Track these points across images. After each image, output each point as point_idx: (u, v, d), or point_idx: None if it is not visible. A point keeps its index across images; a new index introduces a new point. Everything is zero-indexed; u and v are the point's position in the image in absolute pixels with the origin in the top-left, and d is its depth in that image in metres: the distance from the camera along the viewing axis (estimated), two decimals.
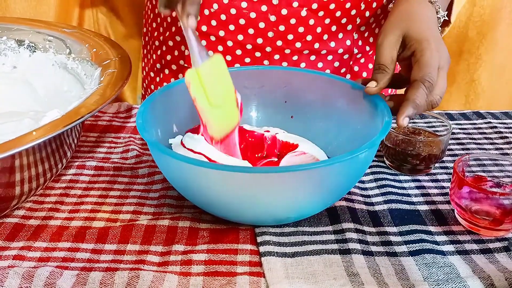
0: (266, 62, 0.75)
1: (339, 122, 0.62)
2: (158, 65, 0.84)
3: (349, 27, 0.75)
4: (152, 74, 0.87)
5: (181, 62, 0.80)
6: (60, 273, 0.46)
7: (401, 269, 0.48)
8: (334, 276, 0.47)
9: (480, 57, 1.27)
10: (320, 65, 0.77)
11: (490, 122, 0.78)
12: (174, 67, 0.81)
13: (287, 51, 0.74)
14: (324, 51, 0.75)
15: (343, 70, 0.79)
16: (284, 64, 0.76)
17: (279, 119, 0.66)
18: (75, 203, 0.58)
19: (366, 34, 0.78)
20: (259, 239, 0.52)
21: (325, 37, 0.74)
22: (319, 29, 0.73)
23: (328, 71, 0.77)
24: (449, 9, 0.71)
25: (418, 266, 0.49)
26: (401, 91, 0.61)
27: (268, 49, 0.74)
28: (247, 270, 0.48)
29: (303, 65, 0.76)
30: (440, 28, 0.63)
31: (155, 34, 0.83)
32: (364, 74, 0.81)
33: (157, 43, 0.82)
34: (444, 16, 0.62)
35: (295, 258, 0.49)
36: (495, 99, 1.31)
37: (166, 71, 0.83)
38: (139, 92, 1.09)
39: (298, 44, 0.73)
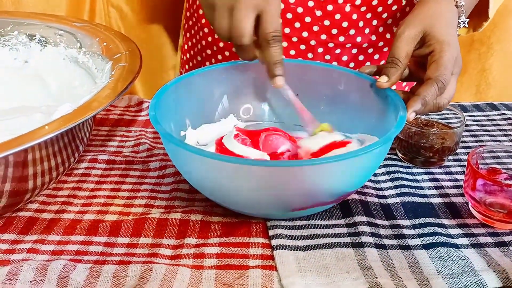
0: (310, 55, 0.77)
1: (353, 116, 0.61)
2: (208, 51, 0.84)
3: (389, 21, 0.76)
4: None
5: None
6: (74, 266, 0.47)
7: (415, 262, 0.48)
8: (347, 270, 0.47)
9: (492, 46, 1.25)
10: (361, 58, 0.78)
11: (504, 114, 0.77)
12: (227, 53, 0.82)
13: (331, 44, 0.76)
14: (365, 45, 0.77)
15: (382, 62, 0.80)
16: (327, 57, 0.77)
17: (291, 112, 0.65)
18: (87, 197, 0.58)
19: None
20: (270, 233, 0.51)
21: (367, 31, 0.76)
22: (361, 23, 0.75)
23: (368, 63, 0.79)
24: (486, 3, 0.70)
25: (432, 260, 0.48)
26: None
27: (312, 42, 0.75)
28: (259, 263, 0.48)
29: (345, 58, 0.78)
30: (458, 33, 0.63)
31: (203, 21, 0.82)
32: None
33: (206, 30, 0.82)
34: (464, 23, 0.62)
35: (307, 251, 0.49)
36: (507, 88, 1.29)
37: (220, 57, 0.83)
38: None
39: (341, 38, 0.75)
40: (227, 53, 0.81)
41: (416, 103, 0.53)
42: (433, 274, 0.46)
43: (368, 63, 0.79)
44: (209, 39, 0.82)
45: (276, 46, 0.54)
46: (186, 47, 0.90)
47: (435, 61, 0.55)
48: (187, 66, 0.91)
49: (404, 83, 0.83)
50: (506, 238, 0.51)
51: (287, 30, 0.75)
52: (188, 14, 0.88)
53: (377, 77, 0.58)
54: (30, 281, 0.45)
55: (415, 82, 0.61)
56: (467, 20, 0.63)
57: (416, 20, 0.58)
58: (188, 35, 0.89)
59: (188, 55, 0.90)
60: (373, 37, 0.77)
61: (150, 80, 1.13)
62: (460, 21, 0.61)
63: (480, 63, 1.27)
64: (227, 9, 0.54)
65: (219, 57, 0.82)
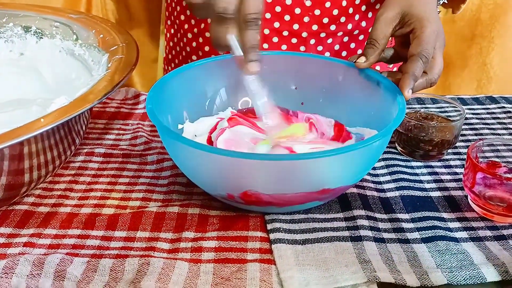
0: (302, 48, 0.76)
1: (352, 109, 0.61)
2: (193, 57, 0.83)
3: (377, 5, 0.76)
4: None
5: None
6: (71, 260, 0.46)
7: (414, 256, 0.48)
8: (345, 264, 0.47)
9: (493, 41, 1.25)
10: (352, 45, 0.78)
11: (503, 107, 0.77)
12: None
13: (322, 34, 0.75)
14: (356, 31, 0.77)
15: None
16: (320, 48, 0.76)
17: (289, 105, 0.65)
18: (84, 190, 0.57)
19: None
20: (269, 226, 0.51)
21: (357, 17, 0.75)
22: (351, 10, 0.74)
23: (360, 51, 0.78)
24: None
25: (431, 253, 0.48)
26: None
27: (304, 34, 0.74)
28: (258, 257, 0.48)
29: (337, 47, 0.77)
30: (439, 10, 0.64)
31: (186, 26, 0.82)
32: None
33: (190, 35, 0.81)
34: (441, 0, 0.63)
35: (306, 245, 0.49)
36: (508, 83, 1.29)
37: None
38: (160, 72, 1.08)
39: (332, 27, 0.74)
40: (206, 48, 0.80)
41: (408, 81, 0.54)
42: (432, 268, 0.46)
43: (359, 51, 0.78)
44: (186, 26, 0.81)
45: (254, 29, 0.52)
46: (168, 48, 0.89)
47: (417, 37, 0.56)
48: (173, 64, 0.89)
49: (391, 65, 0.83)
50: (505, 232, 0.51)
51: (276, 24, 0.73)
52: (167, 13, 0.87)
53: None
54: (27, 275, 0.45)
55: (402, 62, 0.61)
56: None
57: (393, 1, 0.59)
58: (168, 35, 0.88)
59: (170, 55, 0.88)
60: (363, 23, 0.76)
61: (147, 72, 1.13)
62: None
63: (481, 58, 1.27)
64: None
65: (200, 39, 0.80)
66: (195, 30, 0.80)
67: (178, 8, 0.82)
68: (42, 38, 0.72)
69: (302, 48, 0.75)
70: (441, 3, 0.64)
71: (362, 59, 0.58)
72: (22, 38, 0.73)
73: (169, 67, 0.90)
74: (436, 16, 0.58)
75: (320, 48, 0.76)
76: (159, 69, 0.97)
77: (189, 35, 0.81)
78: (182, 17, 0.81)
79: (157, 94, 0.54)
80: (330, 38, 0.75)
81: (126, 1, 1.09)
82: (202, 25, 0.78)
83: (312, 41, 0.75)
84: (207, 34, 0.78)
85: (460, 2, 0.74)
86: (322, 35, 0.75)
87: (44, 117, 0.47)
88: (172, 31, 0.86)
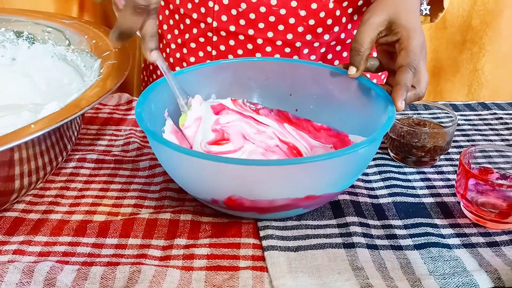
0: (295, 57, 0.76)
1: (344, 115, 0.61)
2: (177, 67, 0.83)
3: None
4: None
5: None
6: (61, 268, 0.46)
7: (407, 262, 0.48)
8: (338, 271, 0.47)
9: (484, 47, 1.26)
10: (345, 54, 0.78)
11: (495, 113, 0.77)
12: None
13: (316, 44, 0.75)
14: (349, 40, 0.77)
15: None
16: (313, 57, 0.76)
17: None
18: (75, 197, 0.57)
19: None
20: (262, 233, 0.51)
21: (349, 26, 0.76)
22: (344, 19, 0.74)
23: None
24: None
25: (424, 260, 0.48)
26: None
27: (298, 44, 0.74)
28: (250, 264, 0.47)
29: (330, 56, 0.77)
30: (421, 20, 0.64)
31: (169, 36, 0.81)
32: None
33: (173, 45, 0.81)
34: (426, 10, 0.64)
35: (299, 252, 0.49)
36: (499, 88, 1.30)
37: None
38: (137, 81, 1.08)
39: (326, 36, 0.75)
40: (192, 59, 0.80)
41: (400, 91, 0.54)
42: (425, 275, 0.46)
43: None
44: (168, 36, 0.81)
45: (155, 18, 0.53)
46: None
47: (404, 48, 0.55)
48: (154, 76, 0.88)
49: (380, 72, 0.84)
50: (497, 238, 0.51)
51: (270, 34, 0.73)
52: None
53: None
54: (16, 283, 0.44)
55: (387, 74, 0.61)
56: (429, 7, 0.64)
57: (381, 7, 0.58)
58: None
59: (152, 66, 0.88)
60: (355, 32, 0.76)
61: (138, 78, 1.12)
62: (422, 8, 0.63)
63: (472, 63, 1.28)
64: None
65: (184, 50, 0.80)
66: (179, 40, 0.79)
67: (160, 17, 0.81)
68: (34, 43, 0.72)
69: (295, 57, 0.76)
70: (423, 14, 0.65)
71: (353, 69, 0.57)
72: (14, 43, 0.72)
73: (151, 78, 0.89)
74: (421, 27, 0.58)
75: (313, 57, 0.76)
76: (136, 77, 0.96)
77: (173, 46, 0.80)
78: (165, 27, 0.81)
79: (147, 99, 0.54)
80: (323, 47, 0.76)
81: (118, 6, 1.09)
82: (187, 35, 0.78)
83: (306, 51, 0.75)
84: (192, 45, 0.78)
85: (438, 11, 0.74)
86: (316, 44, 0.75)
87: (35, 123, 0.47)
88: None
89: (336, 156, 0.46)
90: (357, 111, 0.59)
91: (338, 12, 0.73)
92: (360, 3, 0.74)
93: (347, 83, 0.60)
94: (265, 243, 0.50)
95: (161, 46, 0.83)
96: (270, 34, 0.73)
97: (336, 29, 0.74)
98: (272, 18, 0.72)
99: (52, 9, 1.03)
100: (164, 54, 0.83)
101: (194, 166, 0.47)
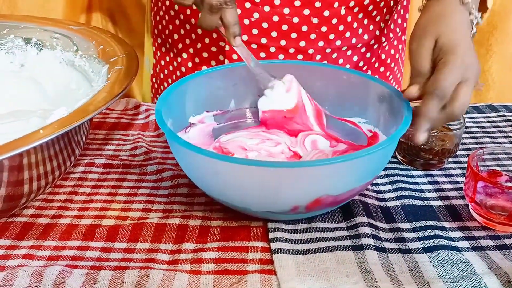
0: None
1: (358, 116, 0.62)
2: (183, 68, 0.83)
3: (378, 18, 0.77)
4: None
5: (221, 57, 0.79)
6: (70, 272, 0.46)
7: (415, 266, 0.48)
8: (346, 273, 0.46)
9: (491, 48, 1.25)
10: (355, 58, 0.78)
11: (504, 115, 0.77)
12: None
13: (328, 50, 0.75)
14: (359, 45, 0.77)
15: (373, 59, 0.81)
16: (325, 63, 0.76)
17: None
18: (84, 201, 0.57)
19: (389, 23, 0.81)
20: (271, 235, 0.51)
21: (360, 31, 0.76)
22: (355, 25, 0.75)
23: (362, 62, 0.79)
24: None
25: (433, 263, 0.48)
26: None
27: (310, 51, 0.75)
28: (258, 268, 0.47)
29: (341, 61, 0.77)
30: (474, 30, 0.59)
31: (180, 46, 0.81)
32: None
33: (185, 55, 0.81)
34: (477, 18, 0.59)
35: (307, 255, 0.49)
36: (506, 90, 1.30)
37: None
38: (146, 88, 1.08)
39: (338, 42, 0.75)
40: (204, 68, 0.80)
41: (422, 124, 0.52)
42: (434, 278, 0.46)
43: (361, 63, 0.79)
44: (180, 45, 0.81)
45: (233, 7, 0.57)
46: (159, 67, 0.88)
47: (437, 71, 0.52)
48: (165, 84, 0.89)
49: (391, 77, 0.84)
50: (507, 241, 0.51)
51: (283, 42, 0.73)
52: (156, 31, 0.86)
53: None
54: None
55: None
56: (480, 14, 0.59)
57: (424, 30, 0.55)
58: (158, 53, 0.87)
59: (163, 74, 0.88)
60: (365, 36, 0.77)
61: (148, 83, 1.13)
62: (472, 17, 0.58)
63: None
64: None
65: (197, 59, 0.80)
66: (191, 50, 0.79)
67: (171, 27, 0.81)
68: (42, 49, 0.72)
69: (325, 63, 0.76)
70: (475, 23, 0.58)
71: (415, 88, 0.54)
72: (23, 50, 0.73)
73: (162, 86, 0.89)
74: (466, 41, 0.54)
75: (325, 63, 0.76)
76: (145, 85, 0.96)
77: (184, 55, 0.81)
78: (176, 36, 0.81)
79: (165, 101, 0.55)
80: (335, 53, 0.76)
81: (126, 12, 1.10)
82: (199, 45, 0.78)
83: (318, 57, 0.76)
84: (205, 54, 0.78)
85: (482, 13, 0.67)
86: (328, 50, 0.75)
87: (43, 128, 0.47)
88: (164, 49, 0.85)
89: (355, 158, 0.47)
90: (372, 114, 0.60)
91: (349, 18, 0.73)
92: (370, 8, 0.74)
93: (360, 85, 0.61)
94: (273, 245, 0.49)
95: (171, 55, 0.83)
96: (283, 42, 0.74)
97: (347, 34, 0.75)
98: (285, 27, 0.72)
99: (60, 16, 1.04)
100: (175, 63, 0.83)
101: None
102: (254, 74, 0.62)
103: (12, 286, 0.44)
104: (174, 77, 0.85)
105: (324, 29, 0.73)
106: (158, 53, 0.87)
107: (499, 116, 0.77)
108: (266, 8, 0.71)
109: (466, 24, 0.57)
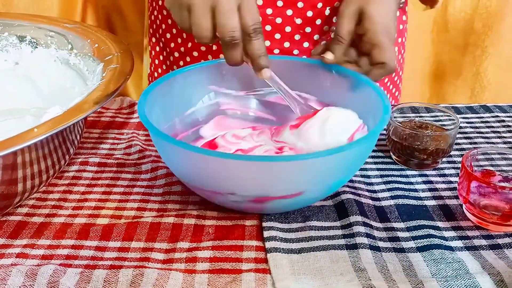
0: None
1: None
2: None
3: None
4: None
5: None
6: (64, 271, 0.46)
7: (409, 265, 0.48)
8: (341, 272, 0.47)
9: (486, 50, 1.26)
10: None
11: (497, 116, 0.77)
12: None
13: None
14: None
15: None
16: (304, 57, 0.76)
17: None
18: (78, 200, 0.57)
19: None
20: (265, 234, 0.51)
21: None
22: None
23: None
24: None
25: (426, 262, 0.48)
26: None
27: (295, 51, 0.74)
28: (253, 267, 0.47)
29: None
30: (401, 5, 0.66)
31: (172, 45, 0.81)
32: None
33: (176, 54, 0.81)
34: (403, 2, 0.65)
35: (302, 254, 0.49)
36: (501, 91, 1.30)
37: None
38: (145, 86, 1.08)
39: (323, 43, 0.74)
40: (195, 53, 0.80)
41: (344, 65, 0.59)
42: (427, 277, 0.46)
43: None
44: (172, 44, 0.81)
45: (259, 38, 0.54)
46: (153, 66, 0.89)
47: (378, 45, 0.58)
48: (159, 70, 0.89)
49: (387, 79, 0.84)
50: (500, 241, 0.51)
51: (267, 43, 0.73)
52: (151, 30, 0.86)
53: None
54: (19, 286, 0.44)
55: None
56: None
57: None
58: (153, 52, 0.87)
59: (157, 73, 0.88)
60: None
61: (143, 82, 1.13)
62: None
63: (474, 66, 1.28)
64: (209, 8, 0.52)
65: (188, 59, 0.80)
66: (182, 49, 0.79)
67: (164, 26, 0.81)
68: (37, 47, 0.72)
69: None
70: (401, 6, 0.65)
71: (330, 54, 0.60)
72: (17, 48, 0.72)
73: None
74: (390, 18, 0.60)
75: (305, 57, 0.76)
76: (144, 83, 0.97)
77: (176, 54, 0.80)
78: (168, 35, 0.81)
79: (147, 98, 0.55)
80: None
81: (122, 11, 1.09)
82: (189, 44, 0.78)
83: (304, 58, 0.75)
84: (195, 54, 0.78)
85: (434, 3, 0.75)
86: None
87: (38, 127, 0.47)
88: (158, 48, 0.85)
89: (330, 154, 0.47)
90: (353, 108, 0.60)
91: (334, 19, 0.73)
92: None
93: (342, 81, 0.61)
94: (268, 245, 0.50)
95: (164, 54, 0.83)
96: (267, 43, 0.73)
97: (332, 35, 0.75)
98: (268, 27, 0.72)
99: (55, 14, 1.04)
100: (168, 62, 0.83)
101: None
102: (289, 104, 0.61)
103: (5, 285, 0.44)
104: (165, 65, 0.86)
105: (308, 29, 0.72)
106: (153, 52, 0.88)
107: (493, 116, 0.77)
108: None
109: (391, 1, 0.62)
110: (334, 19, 0.73)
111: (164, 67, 0.85)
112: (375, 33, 0.58)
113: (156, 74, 0.88)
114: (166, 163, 0.55)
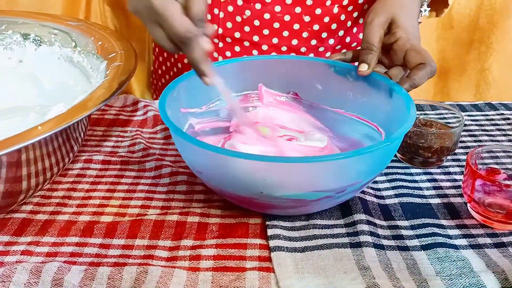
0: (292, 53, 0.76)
1: (355, 112, 0.62)
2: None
3: None
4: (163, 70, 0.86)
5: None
6: (68, 268, 0.46)
7: (413, 263, 0.48)
8: (344, 270, 0.47)
9: (491, 46, 1.25)
10: None
11: (502, 114, 0.77)
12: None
13: (321, 49, 0.75)
14: (354, 44, 0.77)
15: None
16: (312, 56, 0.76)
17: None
18: (82, 198, 0.57)
19: None
20: (269, 232, 0.51)
21: (355, 30, 0.76)
22: (349, 23, 0.74)
23: (357, 63, 0.78)
24: None
25: (430, 261, 0.48)
26: None
27: (303, 49, 0.75)
28: (257, 265, 0.47)
29: None
30: (420, 21, 0.66)
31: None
32: None
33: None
34: (425, 12, 0.65)
35: (305, 252, 0.49)
36: (506, 88, 1.29)
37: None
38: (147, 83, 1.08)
39: (331, 41, 0.75)
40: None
41: (404, 85, 0.56)
42: (432, 275, 0.46)
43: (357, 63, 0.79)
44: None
45: (191, 47, 0.50)
46: (157, 63, 0.88)
47: (413, 49, 0.57)
48: (163, 80, 0.88)
49: None
50: (505, 239, 0.51)
51: (275, 40, 0.73)
52: None
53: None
54: (24, 284, 0.44)
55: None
56: (428, 9, 0.66)
57: (382, 8, 0.60)
58: (157, 49, 0.87)
59: (160, 70, 0.88)
60: (361, 35, 0.77)
61: (146, 79, 1.13)
62: (422, 9, 0.65)
63: (479, 63, 1.27)
64: (154, 23, 0.51)
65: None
66: None
67: None
68: (41, 45, 0.72)
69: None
70: (422, 15, 0.66)
71: (364, 66, 0.58)
72: (21, 45, 0.73)
73: (160, 82, 0.89)
74: (417, 31, 0.61)
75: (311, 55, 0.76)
76: (147, 81, 0.97)
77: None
78: None
79: (168, 96, 0.55)
80: (328, 51, 0.76)
81: (125, 8, 1.09)
82: None
83: (311, 55, 0.75)
84: None
85: (443, 7, 0.74)
86: (321, 49, 0.75)
87: (42, 125, 0.47)
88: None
89: (353, 155, 0.46)
90: (373, 110, 0.60)
91: (343, 17, 0.73)
92: (365, 7, 0.74)
93: (361, 81, 0.61)
94: (271, 243, 0.50)
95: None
96: (275, 40, 0.73)
97: (341, 33, 0.74)
98: (276, 25, 0.72)
99: (59, 12, 1.04)
100: (172, 59, 0.83)
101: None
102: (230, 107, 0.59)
103: (10, 282, 0.44)
104: (171, 73, 0.86)
105: (316, 27, 0.73)
106: (157, 49, 0.88)
107: (498, 114, 0.77)
108: (258, 6, 0.71)
109: (417, 13, 0.64)
110: (342, 17, 0.72)
111: (168, 64, 0.85)
112: (409, 39, 0.58)
113: (159, 72, 0.88)
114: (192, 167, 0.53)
